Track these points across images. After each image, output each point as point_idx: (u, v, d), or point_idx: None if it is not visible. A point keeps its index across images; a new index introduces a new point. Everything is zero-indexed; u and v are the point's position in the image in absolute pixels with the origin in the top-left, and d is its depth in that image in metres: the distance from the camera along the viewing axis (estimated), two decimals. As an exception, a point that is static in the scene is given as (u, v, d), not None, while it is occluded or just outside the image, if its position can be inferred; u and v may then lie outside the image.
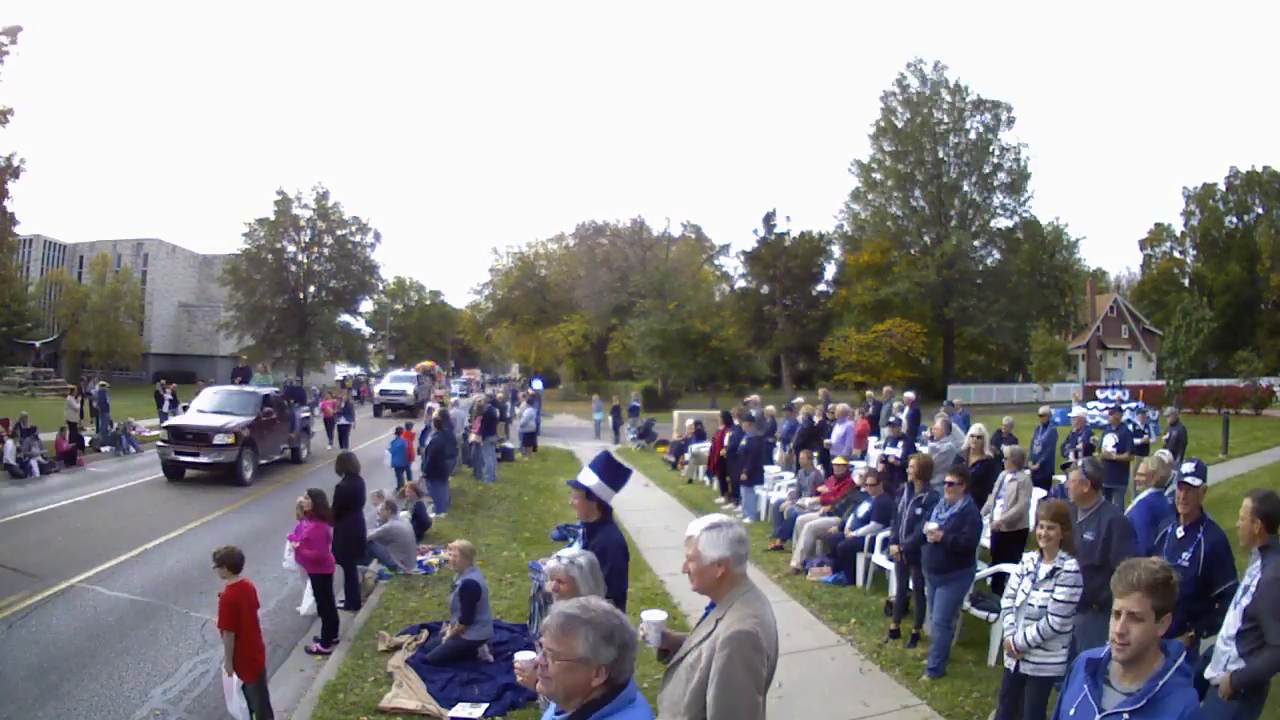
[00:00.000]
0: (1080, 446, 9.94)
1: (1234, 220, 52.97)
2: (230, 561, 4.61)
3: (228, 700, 4.60)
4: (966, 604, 5.86)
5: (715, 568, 2.43)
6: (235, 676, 4.51)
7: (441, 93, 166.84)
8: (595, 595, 3.05)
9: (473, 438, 14.97)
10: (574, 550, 3.42)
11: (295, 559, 6.51)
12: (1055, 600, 3.93)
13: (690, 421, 17.63)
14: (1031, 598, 4.03)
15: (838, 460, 9.75)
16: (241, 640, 4.48)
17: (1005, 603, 4.32)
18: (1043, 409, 11.82)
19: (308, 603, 6.65)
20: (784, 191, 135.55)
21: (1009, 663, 4.12)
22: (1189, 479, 4.11)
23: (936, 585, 5.49)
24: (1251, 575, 3.51)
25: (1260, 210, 51.90)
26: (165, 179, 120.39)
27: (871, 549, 7.57)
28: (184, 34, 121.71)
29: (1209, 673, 3.59)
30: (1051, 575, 4.01)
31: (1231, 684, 3.39)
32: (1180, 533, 4.10)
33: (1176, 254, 56.90)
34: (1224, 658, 3.50)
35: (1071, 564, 4.02)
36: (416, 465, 13.02)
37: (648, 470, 15.87)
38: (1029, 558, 4.28)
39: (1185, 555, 4.00)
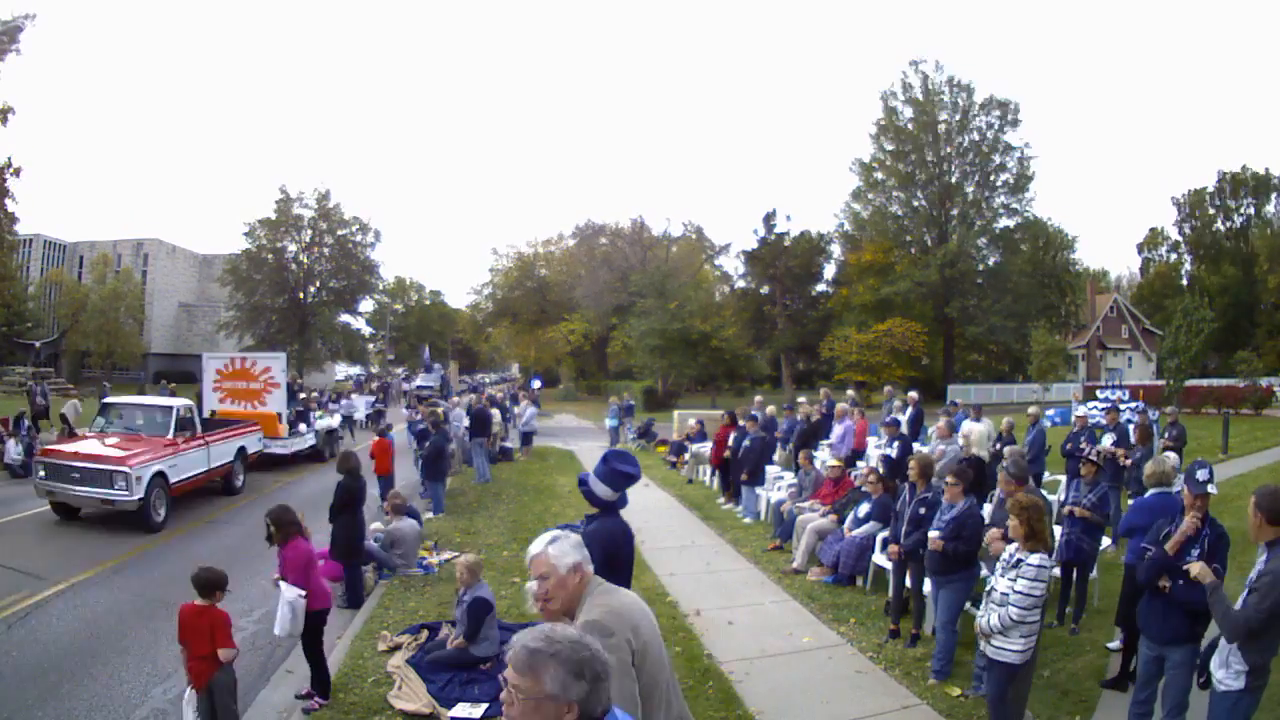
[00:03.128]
0: (1082, 444, 9.91)
1: (1226, 223, 52.99)
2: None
3: None
4: (966, 604, 5.86)
5: (573, 574, 2.46)
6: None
7: (442, 94, 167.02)
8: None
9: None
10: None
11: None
12: (1016, 591, 4.11)
13: (693, 421, 17.61)
14: (997, 584, 4.26)
15: (832, 463, 9.73)
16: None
17: (986, 589, 4.53)
18: (1031, 409, 11.82)
19: (283, 619, 5.01)
20: (784, 191, 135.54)
21: (981, 644, 4.36)
22: (1211, 488, 4.18)
23: (939, 587, 5.50)
24: (1257, 569, 3.55)
25: (1251, 211, 51.93)
26: (165, 179, 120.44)
27: (873, 550, 7.56)
28: (184, 34, 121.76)
29: (1214, 667, 3.62)
30: (1015, 565, 4.19)
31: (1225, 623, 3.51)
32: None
33: (1173, 258, 56.91)
34: (1224, 652, 3.57)
35: (1036, 558, 4.19)
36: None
37: (648, 470, 15.83)
38: (1011, 548, 4.42)
39: (1194, 553, 4.04)
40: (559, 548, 2.48)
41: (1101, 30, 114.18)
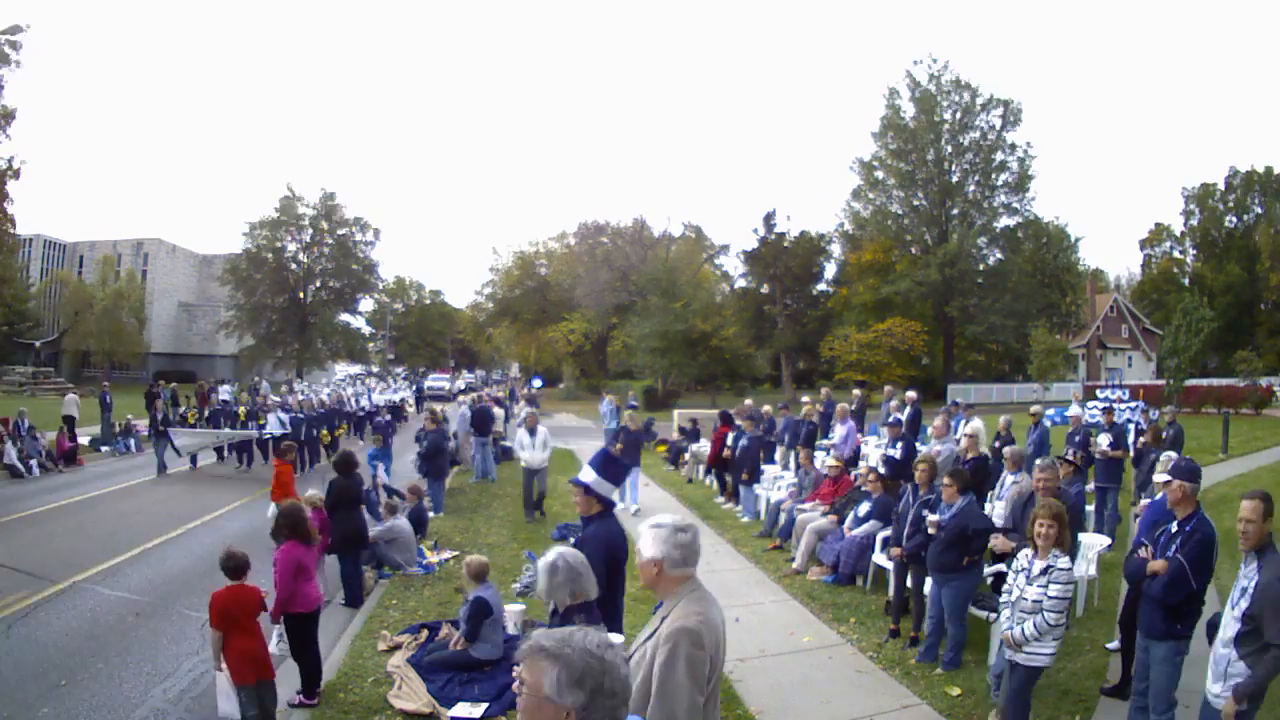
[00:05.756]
0: (1079, 440, 9.92)
1: (1233, 220, 52.99)
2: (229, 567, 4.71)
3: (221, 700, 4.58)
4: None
5: (651, 565, 2.48)
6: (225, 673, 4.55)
7: (443, 93, 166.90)
8: (546, 592, 3.15)
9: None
10: (556, 548, 3.46)
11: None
12: (1050, 597, 4.12)
13: (690, 421, 17.61)
14: (1026, 592, 4.22)
15: (831, 462, 9.74)
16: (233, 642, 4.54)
17: (1004, 598, 4.49)
18: (1033, 409, 11.84)
19: (277, 640, 5.39)
20: (784, 191, 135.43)
21: (1007, 654, 4.31)
22: (1159, 477, 4.24)
23: (940, 585, 5.50)
24: (1249, 578, 3.49)
25: (1259, 210, 51.91)
26: (165, 179, 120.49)
27: (872, 549, 7.56)
28: (185, 34, 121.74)
29: (1210, 684, 3.57)
30: (1045, 572, 4.18)
31: (1236, 699, 3.38)
32: (1174, 528, 4.15)
33: (1176, 254, 56.88)
34: (1223, 661, 3.49)
35: (1065, 561, 4.21)
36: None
37: (648, 470, 15.84)
38: (1024, 554, 4.42)
39: (1173, 547, 4.05)
40: (647, 536, 2.50)
41: (1108, 25, 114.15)
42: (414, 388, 38.45)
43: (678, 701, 2.25)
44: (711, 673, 2.36)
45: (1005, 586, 4.47)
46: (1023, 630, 4.15)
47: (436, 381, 47.13)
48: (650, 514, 2.78)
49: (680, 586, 2.47)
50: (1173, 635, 4.01)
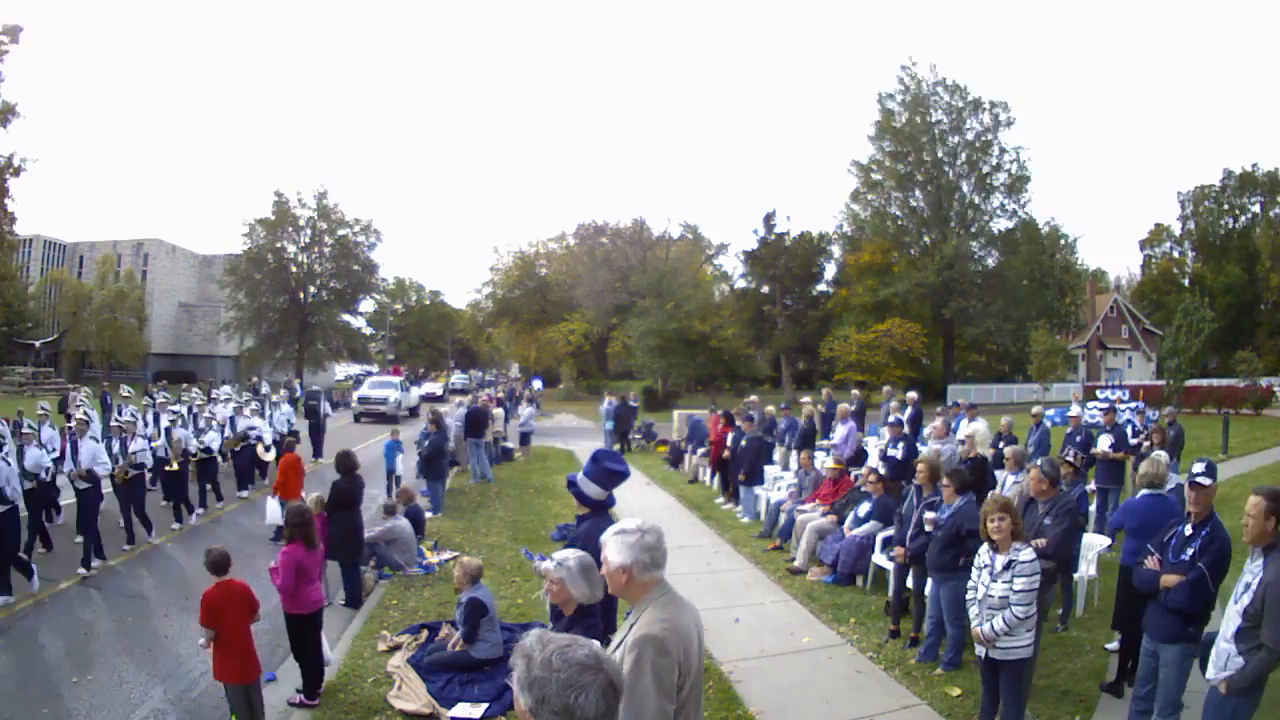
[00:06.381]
0: (1080, 441, 9.92)
1: (1230, 221, 53.03)
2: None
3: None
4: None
5: (619, 573, 2.44)
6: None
7: (442, 93, 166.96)
8: (589, 594, 3.10)
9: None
10: (566, 551, 3.45)
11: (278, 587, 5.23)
12: (1015, 591, 4.13)
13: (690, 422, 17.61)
14: (991, 589, 4.23)
15: (830, 464, 9.74)
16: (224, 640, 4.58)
17: (969, 595, 4.48)
18: (1034, 409, 11.84)
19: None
20: (784, 192, 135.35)
21: (980, 651, 4.33)
22: (1200, 479, 4.15)
23: (939, 584, 5.51)
24: (1253, 574, 3.50)
25: (1257, 210, 51.95)
26: (165, 179, 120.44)
27: (872, 549, 7.56)
28: (184, 34, 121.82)
29: (1209, 674, 3.60)
30: (1009, 567, 4.20)
31: (1228, 688, 3.41)
32: (1188, 530, 4.13)
33: (1176, 254, 56.89)
34: (1223, 656, 3.51)
35: (1027, 553, 4.22)
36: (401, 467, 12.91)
37: (648, 470, 15.85)
38: (984, 551, 4.40)
39: (1189, 552, 4.02)
40: (614, 543, 2.47)
41: (1109, 26, 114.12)
42: (315, 408, 17.66)
43: (645, 710, 2.22)
44: (684, 679, 2.33)
45: (970, 584, 4.47)
46: (992, 626, 4.16)
47: (377, 389, 28.23)
48: (645, 514, 2.75)
49: (650, 592, 2.44)
50: (1185, 638, 4.00)
